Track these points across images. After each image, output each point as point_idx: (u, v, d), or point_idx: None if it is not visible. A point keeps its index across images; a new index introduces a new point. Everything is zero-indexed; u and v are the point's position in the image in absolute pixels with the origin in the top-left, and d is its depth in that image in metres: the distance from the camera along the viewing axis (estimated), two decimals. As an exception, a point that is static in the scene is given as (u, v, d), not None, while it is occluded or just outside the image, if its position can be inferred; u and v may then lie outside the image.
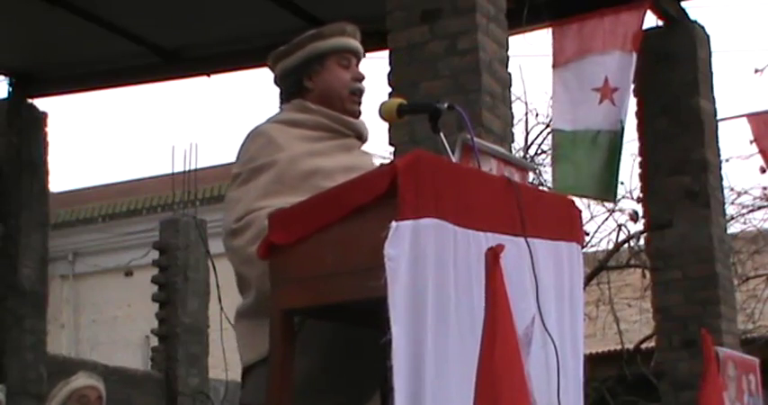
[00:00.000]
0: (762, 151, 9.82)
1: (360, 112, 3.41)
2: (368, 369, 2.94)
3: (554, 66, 7.77)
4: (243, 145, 3.29)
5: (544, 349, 2.88)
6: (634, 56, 7.57)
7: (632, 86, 7.64)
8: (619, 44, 7.60)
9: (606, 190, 7.66)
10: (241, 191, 3.19)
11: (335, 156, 3.28)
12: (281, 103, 3.44)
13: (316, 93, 3.35)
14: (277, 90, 3.47)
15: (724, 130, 12.16)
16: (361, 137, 3.44)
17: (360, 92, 3.40)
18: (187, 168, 12.59)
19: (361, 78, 3.41)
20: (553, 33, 7.82)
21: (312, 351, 3.00)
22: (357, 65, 3.44)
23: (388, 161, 3.18)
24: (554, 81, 7.82)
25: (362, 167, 3.27)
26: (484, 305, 2.49)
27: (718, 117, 8.62)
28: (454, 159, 2.90)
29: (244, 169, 3.22)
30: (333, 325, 3.01)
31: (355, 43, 3.44)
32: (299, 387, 2.89)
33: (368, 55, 7.75)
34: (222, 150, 39.11)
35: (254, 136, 3.28)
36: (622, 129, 7.52)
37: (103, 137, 44.02)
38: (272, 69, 3.45)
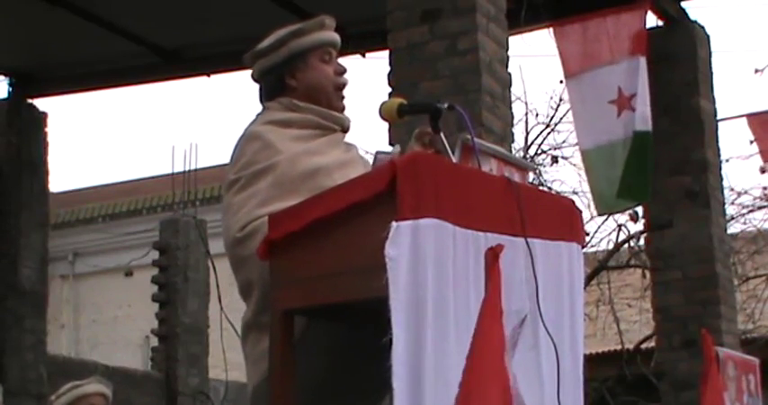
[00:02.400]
0: (762, 151, 9.82)
1: (344, 107, 3.37)
2: (374, 371, 2.93)
3: (566, 76, 7.78)
4: (237, 148, 3.23)
5: (535, 350, 2.86)
6: (642, 59, 7.55)
7: (647, 87, 7.58)
8: (625, 50, 7.59)
9: (640, 193, 7.62)
10: (241, 197, 3.13)
11: (329, 152, 3.25)
12: (264, 100, 3.38)
13: (301, 91, 3.30)
14: (257, 88, 3.41)
15: (724, 130, 12.18)
16: (346, 130, 3.39)
17: (344, 86, 3.36)
18: (187, 168, 12.58)
19: (343, 72, 3.36)
20: (555, 34, 7.81)
21: (317, 354, 2.99)
22: (336, 56, 3.38)
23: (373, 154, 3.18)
24: (570, 95, 7.88)
25: (354, 161, 3.27)
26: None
27: (718, 117, 8.61)
28: (454, 159, 2.89)
29: (243, 174, 3.15)
30: (337, 328, 3.00)
31: (335, 36, 3.38)
32: (305, 391, 2.88)
33: (368, 55, 7.82)
34: (222, 150, 39.04)
35: (249, 139, 3.21)
36: (645, 131, 7.48)
37: (103, 137, 44.06)
38: (251, 67, 3.39)
